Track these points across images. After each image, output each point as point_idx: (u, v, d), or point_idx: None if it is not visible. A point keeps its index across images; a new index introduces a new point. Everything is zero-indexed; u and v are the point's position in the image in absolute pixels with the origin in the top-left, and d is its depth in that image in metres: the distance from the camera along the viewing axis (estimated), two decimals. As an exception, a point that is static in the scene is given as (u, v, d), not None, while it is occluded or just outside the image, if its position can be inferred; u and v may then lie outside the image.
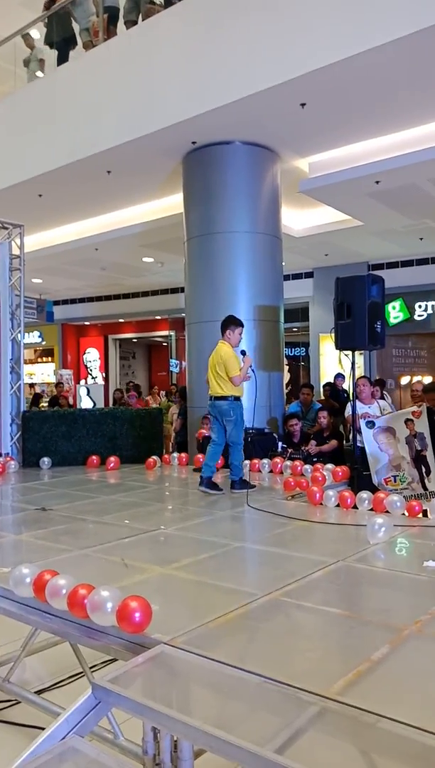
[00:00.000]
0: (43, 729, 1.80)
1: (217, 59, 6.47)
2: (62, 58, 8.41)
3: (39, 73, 9.37)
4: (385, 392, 9.11)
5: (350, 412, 6.11)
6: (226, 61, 6.38)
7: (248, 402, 5.65)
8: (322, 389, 10.37)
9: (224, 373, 5.09)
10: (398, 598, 2.63)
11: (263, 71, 6.08)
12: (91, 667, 2.87)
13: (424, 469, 5.50)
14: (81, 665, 2.69)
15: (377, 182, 7.86)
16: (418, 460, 5.51)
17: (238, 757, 1.51)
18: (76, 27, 8.41)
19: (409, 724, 1.54)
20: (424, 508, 4.12)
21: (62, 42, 8.40)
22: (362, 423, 5.62)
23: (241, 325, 5.36)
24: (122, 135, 7.27)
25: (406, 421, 5.58)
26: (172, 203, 9.10)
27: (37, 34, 9.09)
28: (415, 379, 11.68)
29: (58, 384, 13.47)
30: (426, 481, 5.48)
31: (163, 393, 13.66)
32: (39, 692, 3.00)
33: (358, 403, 5.99)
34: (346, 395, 8.87)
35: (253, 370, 5.33)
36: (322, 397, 9.63)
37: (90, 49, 8.07)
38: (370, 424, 5.60)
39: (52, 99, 8.19)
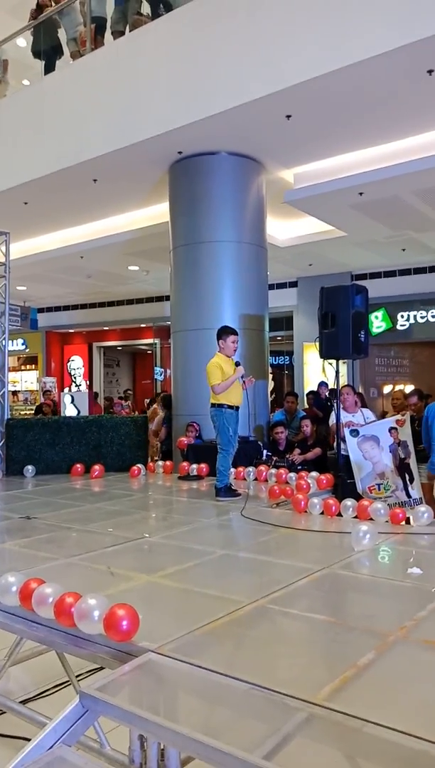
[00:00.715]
0: (28, 740, 1.79)
1: (203, 70, 6.53)
2: (49, 68, 8.42)
3: (25, 81, 9.39)
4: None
5: (334, 421, 6.16)
6: (213, 73, 6.45)
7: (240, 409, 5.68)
8: (305, 398, 10.43)
9: (209, 381, 5.21)
10: (383, 605, 2.65)
11: (249, 83, 6.14)
12: (76, 676, 2.86)
13: (407, 477, 5.55)
14: (67, 674, 2.67)
15: (361, 194, 7.97)
16: (402, 468, 5.56)
17: (227, 764, 1.52)
18: (63, 36, 8.44)
19: (395, 729, 1.56)
20: (407, 515, 4.16)
21: (50, 51, 8.42)
22: (346, 431, 5.66)
23: (232, 332, 5.41)
24: (108, 144, 7.30)
25: (390, 429, 5.63)
26: (158, 212, 9.13)
27: (23, 42, 9.11)
28: (398, 388, 11.78)
29: (46, 392, 13.41)
30: (409, 488, 5.53)
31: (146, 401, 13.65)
32: (24, 702, 2.97)
33: (342, 411, 6.03)
34: (329, 404, 8.93)
35: (242, 381, 5.34)
36: (306, 406, 9.69)
37: (77, 59, 8.10)
38: (354, 433, 5.64)
39: (39, 107, 8.21)
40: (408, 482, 5.53)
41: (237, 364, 5.34)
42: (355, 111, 6.44)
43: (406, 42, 5.22)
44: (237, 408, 5.32)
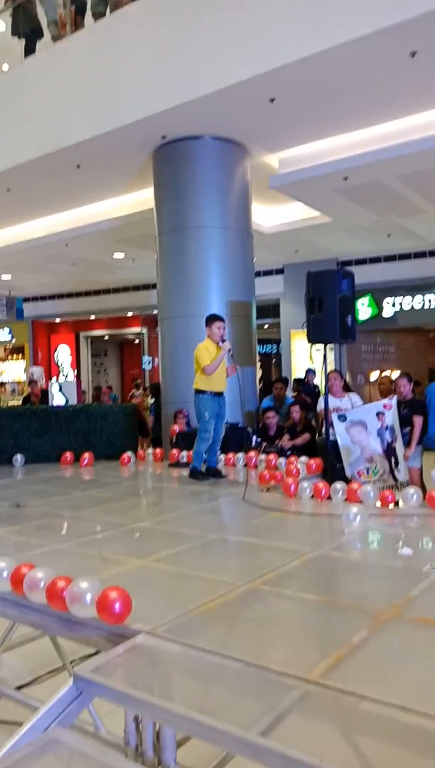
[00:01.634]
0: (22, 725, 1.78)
1: (186, 53, 6.45)
2: (29, 50, 8.28)
3: (5, 66, 9.23)
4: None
5: (322, 407, 6.17)
6: (195, 55, 6.37)
7: (228, 396, 5.70)
8: (291, 387, 10.43)
9: (196, 365, 5.31)
10: (375, 584, 2.67)
11: (232, 66, 6.08)
12: (70, 662, 2.85)
13: (393, 460, 5.60)
14: (61, 658, 2.67)
15: (345, 178, 7.94)
16: (389, 452, 5.61)
17: (224, 742, 1.52)
18: (42, 19, 8.29)
19: (390, 704, 1.57)
20: (396, 498, 4.18)
21: (29, 33, 8.28)
22: (334, 417, 5.68)
23: (218, 319, 5.50)
24: (91, 129, 7.20)
25: (378, 414, 5.67)
26: (142, 198, 9.05)
27: (2, 25, 8.95)
28: (385, 374, 11.83)
29: (31, 382, 13.32)
30: (395, 472, 5.57)
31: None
32: (18, 688, 2.97)
33: (330, 396, 6.04)
34: (317, 390, 8.95)
35: (233, 356, 5.37)
36: (293, 393, 9.69)
37: (57, 42, 7.98)
38: (342, 418, 5.67)
39: (19, 92, 8.07)
40: (393, 465, 5.58)
41: (222, 340, 5.39)
42: (339, 94, 6.40)
43: (389, 23, 5.17)
44: (218, 394, 5.35)
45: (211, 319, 5.51)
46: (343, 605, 2.36)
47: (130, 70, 6.87)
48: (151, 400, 9.62)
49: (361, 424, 5.64)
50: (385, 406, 5.67)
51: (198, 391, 5.37)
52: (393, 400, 5.77)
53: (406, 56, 5.65)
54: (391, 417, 5.62)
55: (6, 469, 6.45)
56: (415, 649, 2.00)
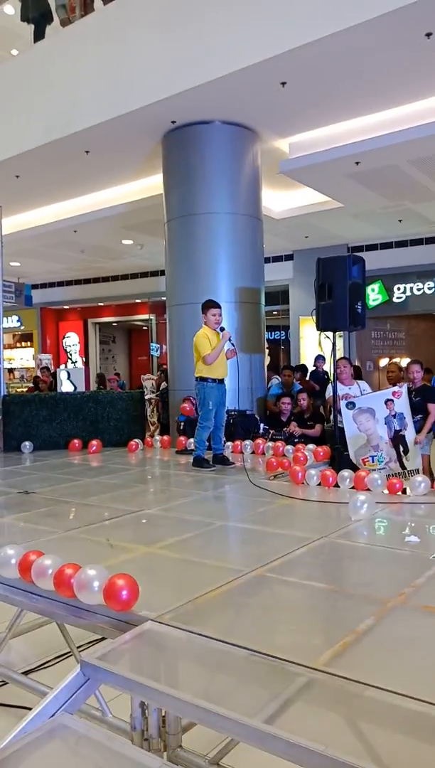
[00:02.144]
0: (30, 709, 1.80)
1: (196, 36, 6.38)
2: (38, 35, 8.22)
3: (14, 51, 9.17)
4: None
5: (331, 394, 6.16)
6: (205, 39, 6.30)
7: (232, 383, 5.69)
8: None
9: (197, 354, 5.31)
10: (381, 572, 2.66)
11: (243, 49, 6.01)
12: (77, 647, 2.88)
13: (401, 449, 5.58)
14: (68, 645, 2.69)
15: (357, 163, 7.85)
16: (396, 439, 5.59)
17: (228, 729, 1.53)
18: (52, 2, 8.23)
19: (395, 692, 1.57)
20: (404, 486, 4.17)
21: (39, 17, 8.21)
22: (342, 404, 5.67)
23: (213, 305, 5.44)
24: (100, 114, 7.16)
25: (386, 401, 5.64)
26: (151, 184, 9.00)
27: (11, 9, 8.88)
28: (393, 361, 11.76)
29: (43, 368, 13.37)
30: (404, 460, 5.56)
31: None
32: (26, 673, 3.00)
33: (338, 384, 6.03)
34: (326, 377, 8.91)
35: (232, 344, 5.37)
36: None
37: (67, 26, 7.91)
38: (351, 405, 5.66)
39: (28, 77, 8.03)
40: (402, 454, 5.57)
41: (221, 329, 5.37)
42: (352, 77, 6.32)
43: (404, 3, 5.09)
44: (221, 381, 5.34)
45: (207, 305, 5.44)
46: (349, 593, 2.36)
47: (140, 54, 6.80)
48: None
49: (369, 412, 5.63)
50: (394, 394, 5.64)
51: (201, 379, 5.35)
52: (404, 388, 5.74)
53: (421, 37, 5.56)
54: (401, 405, 5.59)
55: (14, 456, 6.49)
56: (420, 636, 1.99)
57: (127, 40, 6.92)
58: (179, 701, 1.60)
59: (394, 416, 5.61)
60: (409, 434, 5.59)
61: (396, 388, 5.76)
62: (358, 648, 1.86)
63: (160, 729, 2.07)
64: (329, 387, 6.25)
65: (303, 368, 10.01)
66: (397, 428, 5.58)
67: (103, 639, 2.54)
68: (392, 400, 5.61)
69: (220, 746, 2.12)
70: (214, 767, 2.04)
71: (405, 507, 3.75)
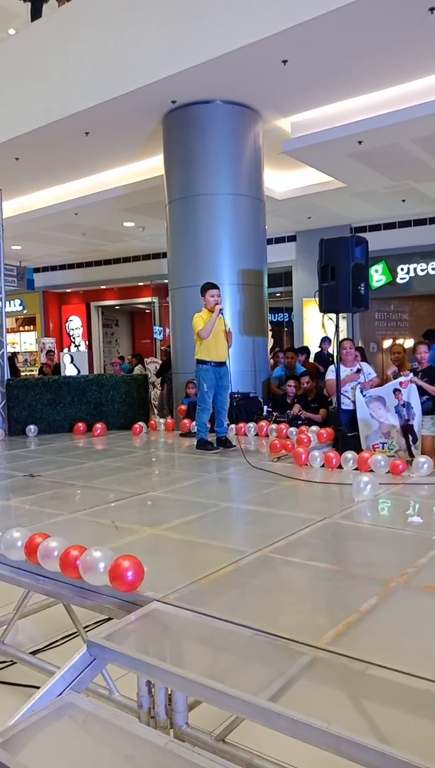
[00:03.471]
0: (38, 688, 1.83)
1: (196, 14, 6.28)
2: (35, 13, 8.11)
3: (11, 31, 9.06)
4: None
5: (330, 376, 6.18)
6: (206, 17, 6.20)
7: (240, 366, 5.71)
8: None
9: (195, 336, 5.35)
10: (384, 553, 2.68)
11: (243, 27, 5.91)
12: (84, 627, 2.91)
13: (410, 438, 5.61)
14: (75, 625, 2.73)
15: (360, 142, 7.77)
16: (405, 429, 5.62)
17: (233, 706, 1.55)
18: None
19: (398, 670, 1.59)
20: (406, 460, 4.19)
21: (35, -4, 8.11)
22: (357, 390, 5.75)
23: (211, 287, 5.46)
24: (100, 94, 7.08)
25: (395, 391, 5.67)
26: (152, 165, 8.93)
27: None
28: (398, 342, 11.72)
29: (49, 352, 13.39)
30: (413, 449, 5.58)
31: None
32: (33, 653, 3.04)
33: (342, 366, 6.05)
34: (331, 359, 8.90)
35: (227, 325, 5.39)
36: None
37: (64, 4, 7.79)
38: (363, 393, 5.73)
39: (26, 57, 7.93)
40: (411, 443, 5.60)
41: (220, 311, 5.39)
42: (354, 54, 6.22)
43: (407, -22, 5.01)
44: (219, 364, 5.34)
45: (205, 287, 5.48)
46: (352, 573, 2.38)
47: (139, 33, 6.70)
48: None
49: (379, 400, 5.68)
50: (401, 384, 5.67)
51: (199, 362, 5.39)
52: (409, 377, 5.76)
53: (424, 12, 5.46)
54: (408, 394, 5.62)
55: (20, 440, 6.52)
56: (422, 616, 2.01)
57: (127, 18, 6.82)
58: (185, 680, 1.63)
59: (404, 406, 5.64)
60: (417, 423, 5.63)
61: (403, 378, 5.78)
62: (360, 627, 1.88)
63: (167, 707, 2.10)
64: (330, 369, 6.25)
65: (306, 350, 9.99)
66: (406, 418, 5.62)
67: (109, 619, 2.58)
68: (400, 390, 5.64)
69: (225, 723, 2.15)
70: (219, 744, 2.07)
71: (408, 488, 3.77)
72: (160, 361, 11.98)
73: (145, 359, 13.01)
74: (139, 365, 12.27)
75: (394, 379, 6.13)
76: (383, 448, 5.56)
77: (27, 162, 9.03)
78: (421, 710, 1.49)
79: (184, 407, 6.98)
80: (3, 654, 2.97)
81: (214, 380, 5.37)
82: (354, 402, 5.89)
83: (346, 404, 5.92)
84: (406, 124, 7.24)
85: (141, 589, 2.13)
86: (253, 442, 5.78)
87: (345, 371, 6.03)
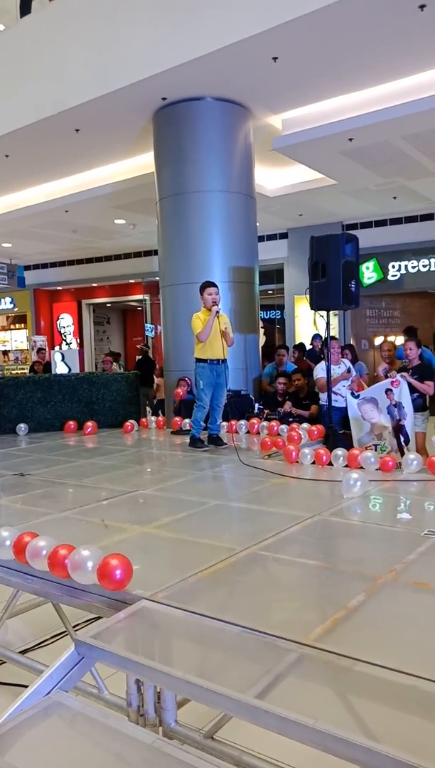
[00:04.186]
0: (27, 687, 1.83)
1: (186, 11, 6.26)
2: (25, 9, 8.06)
3: (0, 26, 9.00)
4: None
5: (319, 375, 6.20)
6: (196, 13, 6.18)
7: (233, 363, 5.72)
8: (290, 352, 10.37)
9: (194, 336, 5.36)
10: (373, 549, 2.69)
11: (234, 24, 5.90)
12: (73, 626, 2.91)
13: (402, 439, 5.62)
14: (64, 624, 2.72)
15: (351, 139, 7.77)
16: (397, 429, 5.63)
17: (221, 704, 1.56)
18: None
19: (384, 666, 1.60)
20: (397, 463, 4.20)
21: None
22: (348, 393, 5.78)
23: (209, 285, 5.47)
24: (90, 91, 7.04)
25: (386, 391, 5.69)
26: (143, 162, 8.90)
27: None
28: (388, 339, 11.76)
29: (40, 350, 13.35)
30: (405, 449, 5.59)
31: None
32: (23, 652, 3.03)
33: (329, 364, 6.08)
34: (321, 356, 8.91)
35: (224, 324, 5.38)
36: (292, 359, 9.65)
37: (53, 0, 7.75)
38: (354, 395, 5.75)
39: (16, 53, 7.88)
40: (403, 443, 5.62)
41: (213, 304, 5.37)
42: (344, 51, 6.22)
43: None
44: (216, 362, 5.35)
45: (203, 285, 5.50)
46: (340, 569, 2.39)
47: (130, 29, 6.67)
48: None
49: (372, 402, 5.70)
50: (393, 383, 5.69)
51: (197, 360, 5.43)
52: (401, 377, 5.78)
53: (414, 9, 5.46)
54: (399, 394, 5.63)
55: (10, 438, 6.49)
56: (410, 612, 2.02)
57: (117, 14, 6.79)
58: (173, 678, 1.63)
59: (395, 406, 5.66)
60: (409, 424, 5.64)
61: (394, 378, 5.79)
62: (348, 624, 1.89)
63: (156, 705, 2.10)
64: (318, 366, 6.28)
65: (301, 347, 9.99)
66: (398, 418, 5.63)
67: (98, 618, 2.57)
68: (391, 390, 5.66)
69: (214, 721, 2.15)
70: (208, 741, 2.08)
71: (398, 485, 3.78)
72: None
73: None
74: (115, 364, 12.33)
75: (385, 376, 6.15)
76: (376, 450, 5.58)
77: (17, 159, 8.98)
78: (408, 706, 1.50)
79: (180, 391, 6.96)
80: (-8, 653, 2.96)
81: (212, 378, 5.39)
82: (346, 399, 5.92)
83: (339, 401, 5.95)
84: (397, 122, 7.25)
85: (129, 588, 2.13)
86: (245, 440, 5.78)
87: (334, 369, 6.06)
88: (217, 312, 5.33)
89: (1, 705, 1.79)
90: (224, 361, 5.44)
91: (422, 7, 5.43)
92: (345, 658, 1.66)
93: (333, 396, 5.75)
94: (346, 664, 1.64)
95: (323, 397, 6.02)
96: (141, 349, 13.27)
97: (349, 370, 6.22)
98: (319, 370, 6.19)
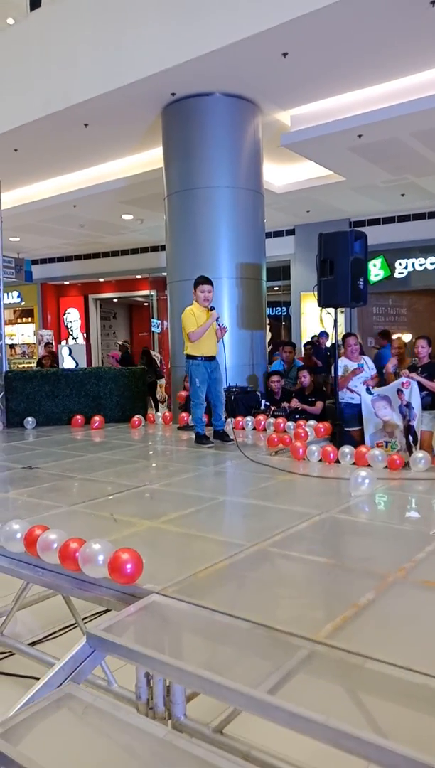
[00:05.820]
0: (37, 679, 1.85)
1: (196, 7, 6.25)
2: (35, 3, 8.06)
3: (10, 20, 8.99)
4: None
5: (340, 372, 6.20)
6: (206, 9, 6.17)
7: (236, 359, 5.70)
8: (303, 348, 10.40)
9: (184, 331, 5.30)
10: (382, 547, 2.69)
11: (244, 19, 5.89)
12: (82, 619, 2.92)
13: (411, 439, 5.63)
14: (74, 617, 2.74)
15: (359, 136, 7.75)
16: (407, 428, 5.64)
17: (232, 699, 1.57)
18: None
19: (394, 664, 1.61)
20: (405, 461, 4.20)
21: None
22: (362, 388, 5.77)
23: (203, 282, 5.38)
24: (99, 86, 7.05)
25: (398, 391, 5.70)
26: (151, 158, 8.90)
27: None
28: (395, 336, 11.73)
29: (47, 344, 13.40)
30: (414, 449, 5.60)
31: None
32: (32, 644, 3.06)
33: (347, 360, 6.09)
34: (328, 353, 8.91)
35: (219, 324, 5.34)
36: (303, 356, 9.67)
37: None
38: (369, 391, 5.76)
39: (25, 48, 7.89)
40: (413, 444, 5.63)
41: (211, 308, 5.32)
42: (354, 48, 6.20)
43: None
44: (209, 358, 5.34)
45: (197, 282, 5.39)
46: (349, 567, 2.39)
47: (139, 25, 6.67)
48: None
49: (385, 399, 5.71)
50: (404, 384, 5.69)
51: (188, 357, 5.33)
52: (409, 378, 5.78)
53: (426, 4, 5.44)
54: (409, 394, 5.64)
55: (18, 432, 6.52)
56: (420, 610, 2.03)
57: (127, 9, 6.78)
58: (183, 672, 1.64)
59: (406, 406, 5.67)
60: (418, 423, 5.66)
61: (404, 379, 5.80)
62: (358, 621, 1.89)
63: (165, 698, 2.11)
64: (340, 363, 6.28)
65: (312, 344, 10.00)
66: (408, 418, 5.64)
67: (108, 611, 2.59)
68: (402, 391, 5.66)
69: (223, 715, 2.17)
70: (217, 735, 2.09)
71: (406, 483, 3.78)
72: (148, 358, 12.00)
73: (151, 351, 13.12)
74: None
75: (394, 373, 6.16)
76: (386, 447, 5.59)
77: (26, 153, 9.00)
78: (418, 704, 1.50)
79: (183, 393, 6.96)
80: (2, 645, 2.99)
81: (206, 374, 5.34)
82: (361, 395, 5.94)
83: (354, 399, 5.96)
84: (406, 118, 7.23)
85: (140, 582, 2.14)
86: (251, 436, 5.78)
87: (351, 365, 6.08)
88: (217, 319, 5.26)
89: (12, 696, 1.81)
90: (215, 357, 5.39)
91: (433, 3, 5.41)
92: (356, 655, 1.66)
93: (348, 393, 5.77)
94: (356, 661, 1.65)
95: (341, 393, 5.99)
96: (121, 345, 13.35)
97: (361, 368, 6.19)
98: (340, 368, 6.17)
